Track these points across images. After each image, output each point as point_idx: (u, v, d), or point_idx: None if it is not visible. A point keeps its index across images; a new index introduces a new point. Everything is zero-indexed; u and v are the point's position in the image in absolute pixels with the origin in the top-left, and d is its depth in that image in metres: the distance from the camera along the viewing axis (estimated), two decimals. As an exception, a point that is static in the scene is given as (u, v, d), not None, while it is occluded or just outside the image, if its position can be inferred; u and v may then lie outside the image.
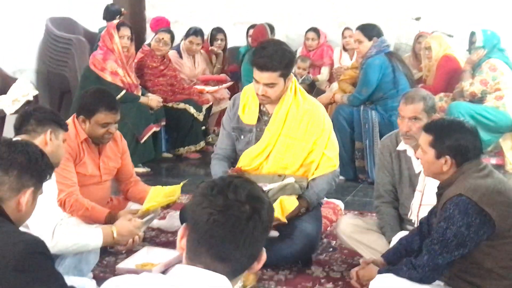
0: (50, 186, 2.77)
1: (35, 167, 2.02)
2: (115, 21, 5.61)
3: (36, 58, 6.77)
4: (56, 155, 2.83)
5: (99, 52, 5.43)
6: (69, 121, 3.56)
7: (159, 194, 3.57)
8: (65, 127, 2.95)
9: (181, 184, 3.68)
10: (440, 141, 2.67)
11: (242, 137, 3.59)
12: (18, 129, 2.84)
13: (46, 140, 2.78)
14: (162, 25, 6.74)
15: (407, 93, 3.39)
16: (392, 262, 2.91)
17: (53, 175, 2.84)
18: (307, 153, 3.49)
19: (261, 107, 3.56)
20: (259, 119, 3.55)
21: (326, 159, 3.50)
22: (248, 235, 1.43)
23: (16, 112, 5.55)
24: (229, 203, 1.43)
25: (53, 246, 2.63)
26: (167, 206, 3.71)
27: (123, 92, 5.34)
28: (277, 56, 3.33)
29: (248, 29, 7.19)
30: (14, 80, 5.82)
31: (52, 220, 2.78)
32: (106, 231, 2.97)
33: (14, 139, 2.33)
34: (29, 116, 2.84)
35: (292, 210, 3.32)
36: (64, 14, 7.03)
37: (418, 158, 3.14)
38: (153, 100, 5.62)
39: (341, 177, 5.16)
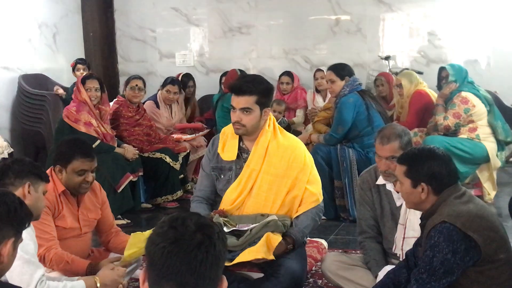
0: (30, 240, 2.70)
1: (15, 217, 1.98)
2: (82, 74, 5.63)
3: (9, 116, 6.73)
4: (36, 208, 2.76)
5: (73, 105, 5.43)
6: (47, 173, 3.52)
7: (139, 240, 3.49)
8: (45, 179, 2.89)
9: None
10: (413, 169, 2.70)
11: (222, 176, 3.56)
12: None
13: (24, 193, 2.73)
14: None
15: (382, 131, 3.35)
16: None
17: (33, 228, 2.79)
18: (288, 189, 3.46)
19: (241, 144, 3.54)
20: (238, 156, 3.53)
21: (309, 194, 3.48)
22: (203, 260, 1.51)
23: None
24: (180, 234, 1.53)
25: None
26: None
27: (98, 141, 5.32)
28: (254, 82, 3.40)
29: (221, 76, 7.27)
30: (-12, 139, 5.77)
31: (34, 277, 2.70)
32: (89, 282, 2.91)
33: None
34: (7, 169, 2.78)
35: (276, 244, 3.28)
36: (36, 71, 7.02)
37: (398, 192, 3.15)
38: (129, 151, 5.60)
39: (323, 217, 5.16)
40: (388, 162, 3.23)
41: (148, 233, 3.54)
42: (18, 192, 2.71)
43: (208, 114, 7.23)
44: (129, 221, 5.41)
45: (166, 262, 1.50)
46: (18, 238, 2.01)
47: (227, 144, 3.55)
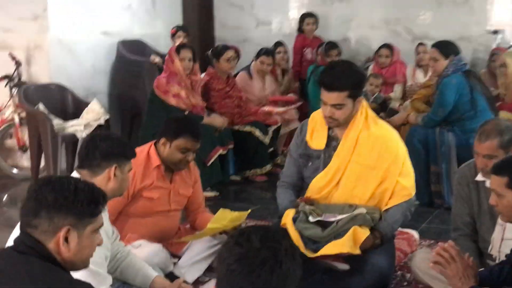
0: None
1: (66, 206, 1.84)
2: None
3: (108, 81, 6.87)
4: (120, 189, 2.74)
5: (163, 76, 5.45)
6: (144, 147, 3.59)
7: (225, 218, 3.53)
8: (132, 156, 2.80)
9: (248, 211, 3.64)
10: None
11: (309, 163, 3.45)
12: (82, 161, 2.71)
13: (110, 176, 2.66)
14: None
15: (483, 125, 3.13)
16: (484, 283, 2.68)
17: (107, 232, 2.63)
18: (379, 181, 3.31)
19: (330, 132, 3.41)
20: (327, 145, 3.40)
21: (401, 187, 3.31)
22: (267, 280, 1.43)
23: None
24: (244, 251, 1.46)
25: None
26: (234, 230, 3.62)
27: (186, 113, 5.31)
28: (345, 76, 3.20)
29: (318, 47, 7.05)
30: (86, 104, 5.91)
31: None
32: None
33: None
34: (94, 148, 2.68)
35: (363, 239, 3.15)
36: (135, 37, 7.10)
37: (493, 205, 2.86)
38: (217, 118, 5.56)
39: (416, 202, 4.96)
40: (486, 160, 3.00)
41: (235, 214, 3.56)
42: (103, 175, 2.65)
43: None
44: (218, 193, 5.41)
45: (230, 280, 1.45)
46: (81, 227, 1.86)
47: (315, 132, 3.42)
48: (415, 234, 4.08)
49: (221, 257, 1.49)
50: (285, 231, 1.58)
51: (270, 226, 1.60)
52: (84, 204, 1.86)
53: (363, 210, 3.23)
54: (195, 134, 3.54)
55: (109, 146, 2.71)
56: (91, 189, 1.92)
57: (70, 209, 1.84)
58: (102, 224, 1.95)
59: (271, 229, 1.53)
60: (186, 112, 5.33)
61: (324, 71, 3.29)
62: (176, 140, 3.48)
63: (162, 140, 3.51)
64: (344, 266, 3.47)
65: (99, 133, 2.84)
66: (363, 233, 3.15)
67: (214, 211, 4.47)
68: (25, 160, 6.24)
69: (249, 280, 1.42)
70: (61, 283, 1.77)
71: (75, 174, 2.69)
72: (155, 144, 3.58)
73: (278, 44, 7.09)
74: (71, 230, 1.84)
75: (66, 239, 1.83)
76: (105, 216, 2.70)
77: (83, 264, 1.93)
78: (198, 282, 3.55)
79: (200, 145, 3.64)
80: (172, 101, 5.31)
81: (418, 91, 5.79)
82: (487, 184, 3.12)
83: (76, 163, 2.84)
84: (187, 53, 5.41)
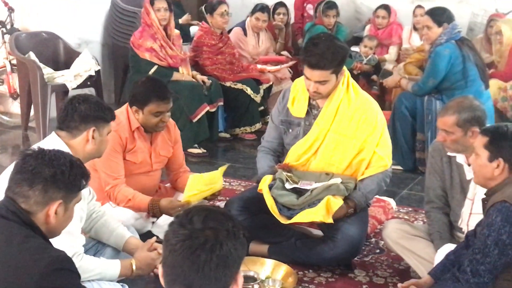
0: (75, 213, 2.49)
1: (62, 180, 1.97)
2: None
3: (102, 30, 6.82)
4: (99, 151, 2.76)
5: (139, 30, 5.40)
6: (123, 109, 3.57)
7: (199, 182, 3.47)
8: (111, 119, 2.81)
9: (220, 169, 3.57)
10: (495, 142, 2.57)
11: (290, 130, 3.50)
12: (61, 123, 2.72)
13: (88, 138, 2.68)
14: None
15: (450, 101, 3.18)
16: (440, 279, 2.79)
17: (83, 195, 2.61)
18: (357, 151, 3.36)
19: (311, 101, 3.45)
20: (308, 113, 3.45)
21: (378, 158, 3.36)
22: (207, 261, 1.46)
23: (78, 87, 5.64)
24: (187, 233, 1.49)
25: None
26: (213, 196, 3.60)
27: (155, 67, 5.26)
28: (329, 54, 3.20)
29: (317, 5, 6.95)
30: (77, 54, 5.88)
31: (71, 249, 2.49)
32: (125, 264, 2.77)
33: (46, 145, 2.24)
34: (73, 111, 2.69)
35: (336, 209, 3.21)
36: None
37: (469, 165, 2.98)
38: (186, 76, 5.47)
39: (400, 168, 5.02)
40: (444, 134, 3.05)
41: (207, 176, 3.51)
42: (82, 137, 2.67)
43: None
44: (205, 151, 5.40)
45: (172, 261, 1.49)
46: (68, 200, 2.01)
47: (297, 100, 3.46)
48: (392, 202, 4.14)
49: (166, 238, 1.53)
50: (230, 213, 1.60)
51: (214, 208, 1.62)
52: (76, 179, 2.01)
53: (338, 180, 3.28)
54: (163, 96, 3.48)
55: (88, 108, 2.71)
56: (80, 165, 2.06)
57: (65, 183, 1.97)
58: (81, 198, 2.10)
59: (215, 211, 1.56)
60: (155, 68, 5.26)
61: (307, 49, 3.26)
62: (146, 106, 3.45)
63: (134, 108, 3.49)
64: (318, 232, 3.56)
65: (78, 96, 2.80)
66: (336, 203, 3.20)
67: (199, 169, 4.48)
68: (15, 107, 6.27)
69: (190, 260, 1.47)
70: (35, 248, 1.88)
71: (53, 135, 2.71)
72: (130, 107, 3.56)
73: (279, 4, 6.98)
74: (62, 203, 1.98)
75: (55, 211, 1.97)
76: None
77: (60, 232, 2.09)
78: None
79: (172, 104, 3.57)
80: (146, 56, 5.27)
81: (411, 55, 5.77)
82: (458, 159, 3.17)
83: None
84: (161, 3, 5.28)
